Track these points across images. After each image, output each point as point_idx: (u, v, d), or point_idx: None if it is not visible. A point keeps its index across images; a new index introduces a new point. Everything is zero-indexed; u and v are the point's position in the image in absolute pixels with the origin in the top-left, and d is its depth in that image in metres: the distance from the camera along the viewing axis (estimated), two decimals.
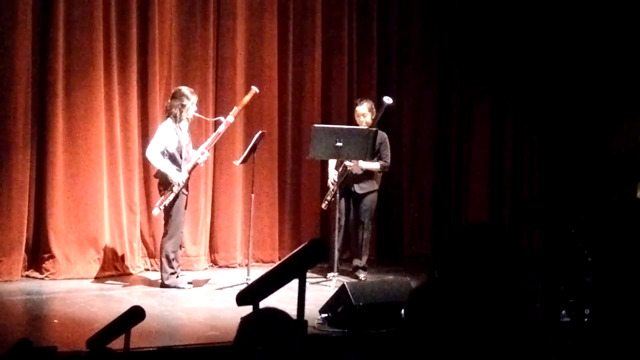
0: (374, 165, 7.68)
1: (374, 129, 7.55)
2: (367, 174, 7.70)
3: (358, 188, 7.66)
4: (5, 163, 7.42)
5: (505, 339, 2.48)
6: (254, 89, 7.58)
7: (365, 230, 7.79)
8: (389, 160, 7.78)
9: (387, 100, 7.64)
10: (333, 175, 7.67)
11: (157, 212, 7.27)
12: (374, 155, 7.57)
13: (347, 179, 7.60)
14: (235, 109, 7.54)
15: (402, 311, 2.66)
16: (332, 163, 7.77)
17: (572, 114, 9.66)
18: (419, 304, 2.57)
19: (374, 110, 7.72)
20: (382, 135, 7.73)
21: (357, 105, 7.82)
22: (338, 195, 7.52)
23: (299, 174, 8.87)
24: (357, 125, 7.69)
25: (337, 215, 7.54)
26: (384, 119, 7.75)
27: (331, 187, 7.64)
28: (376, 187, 7.80)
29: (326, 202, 7.72)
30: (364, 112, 7.70)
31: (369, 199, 7.76)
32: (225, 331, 5.50)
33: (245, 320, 2.95)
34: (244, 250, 8.34)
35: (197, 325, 6.08)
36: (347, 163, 7.50)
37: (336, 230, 7.53)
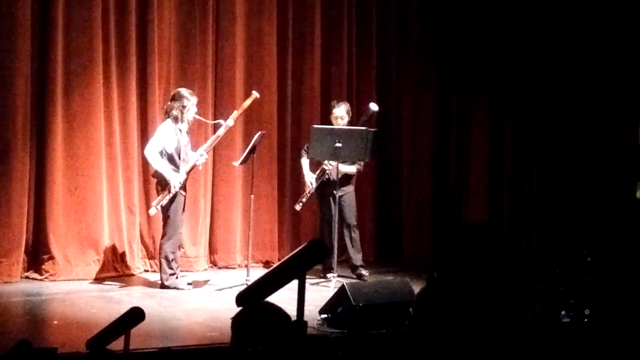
0: (351, 169, 7.76)
1: (373, 129, 7.56)
2: (346, 177, 7.74)
3: (338, 191, 7.65)
4: (4, 164, 7.42)
5: (505, 338, 2.48)
6: (255, 94, 7.59)
7: (354, 230, 7.86)
8: (362, 163, 7.83)
9: (373, 107, 7.69)
10: (310, 177, 7.72)
11: (154, 211, 7.27)
12: (372, 155, 7.62)
13: (327, 182, 7.63)
14: (236, 113, 7.54)
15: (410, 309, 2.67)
16: (305, 165, 7.80)
17: (571, 116, 9.64)
18: (423, 305, 2.57)
19: (351, 113, 7.78)
20: None
21: (334, 107, 7.80)
22: (319, 199, 7.75)
23: (298, 175, 8.84)
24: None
25: (326, 218, 7.71)
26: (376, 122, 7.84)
27: (307, 189, 7.72)
28: (353, 187, 7.89)
29: (301, 204, 7.80)
30: (342, 115, 7.72)
31: (349, 199, 7.81)
32: (225, 332, 5.49)
33: (235, 319, 2.94)
34: (244, 251, 8.34)
35: (197, 326, 6.08)
36: (324, 166, 7.58)
37: (333, 232, 7.57)
